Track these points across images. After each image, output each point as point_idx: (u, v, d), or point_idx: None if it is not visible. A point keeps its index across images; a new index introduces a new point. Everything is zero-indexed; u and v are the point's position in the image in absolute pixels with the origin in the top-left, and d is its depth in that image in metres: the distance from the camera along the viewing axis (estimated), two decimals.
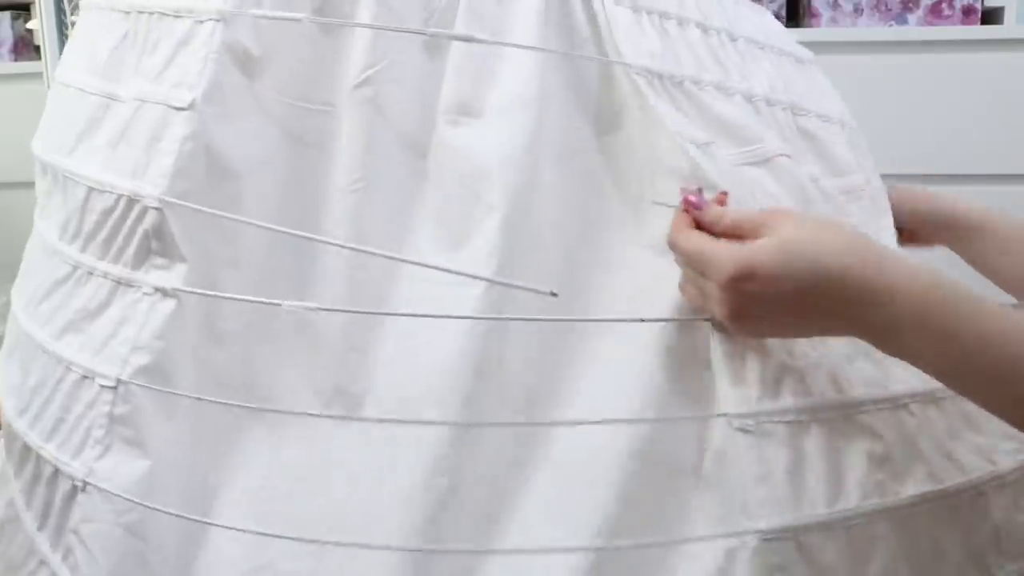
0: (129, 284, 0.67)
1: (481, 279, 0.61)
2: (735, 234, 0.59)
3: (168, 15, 0.68)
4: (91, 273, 0.70)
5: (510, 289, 0.61)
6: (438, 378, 0.63)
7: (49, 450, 0.68)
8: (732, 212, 0.61)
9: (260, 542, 0.64)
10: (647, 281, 0.66)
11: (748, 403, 0.61)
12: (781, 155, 0.70)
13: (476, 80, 0.67)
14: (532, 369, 0.65)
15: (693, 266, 0.60)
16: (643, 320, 0.64)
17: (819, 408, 0.62)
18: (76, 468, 0.66)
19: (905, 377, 0.64)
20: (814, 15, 1.67)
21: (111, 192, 0.67)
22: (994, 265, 0.79)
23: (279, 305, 0.62)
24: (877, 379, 0.64)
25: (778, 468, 0.60)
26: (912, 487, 0.62)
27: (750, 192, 0.66)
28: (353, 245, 0.65)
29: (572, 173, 0.67)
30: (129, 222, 0.66)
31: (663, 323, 0.64)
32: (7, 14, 2.09)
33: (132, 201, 0.66)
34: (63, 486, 0.67)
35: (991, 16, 1.68)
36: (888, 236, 0.78)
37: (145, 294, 0.66)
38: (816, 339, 0.63)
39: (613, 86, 0.68)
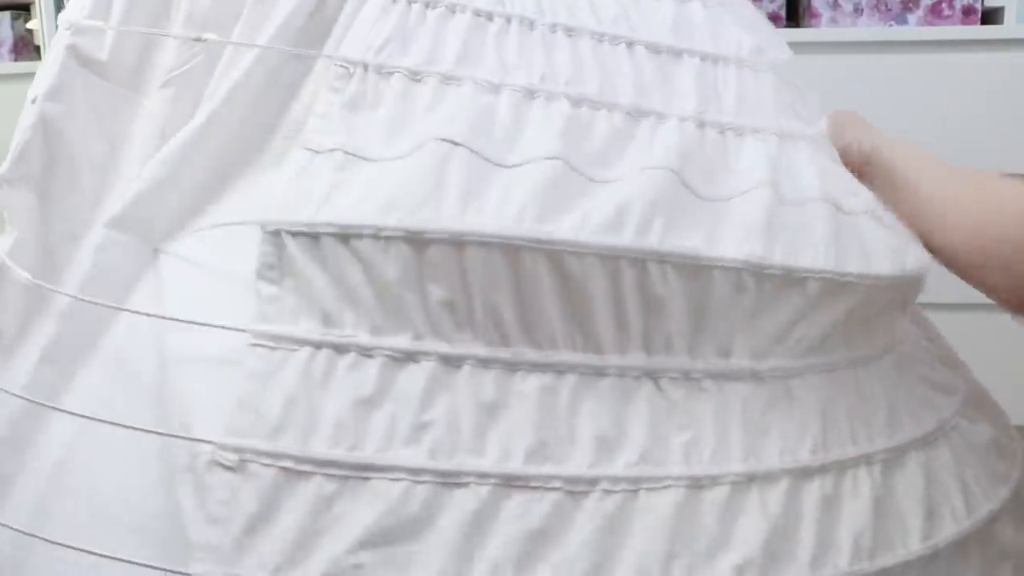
0: None
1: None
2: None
3: (61, 26, 0.77)
4: None
5: None
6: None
7: None
8: None
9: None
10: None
11: (239, 434, 0.57)
12: (447, 140, 0.62)
13: (223, 73, 0.73)
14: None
15: None
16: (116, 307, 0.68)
17: (330, 462, 0.57)
18: None
19: (494, 449, 0.58)
20: (814, 15, 1.67)
21: None
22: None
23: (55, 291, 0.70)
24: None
25: (239, 516, 0.56)
26: (419, 572, 0.56)
27: (372, 187, 0.62)
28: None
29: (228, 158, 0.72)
30: None
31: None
32: (7, 14, 2.09)
33: None
34: None
35: (991, 16, 1.68)
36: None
37: None
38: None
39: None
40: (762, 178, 0.67)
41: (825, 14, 1.66)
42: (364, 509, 0.56)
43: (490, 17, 0.70)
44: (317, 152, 0.64)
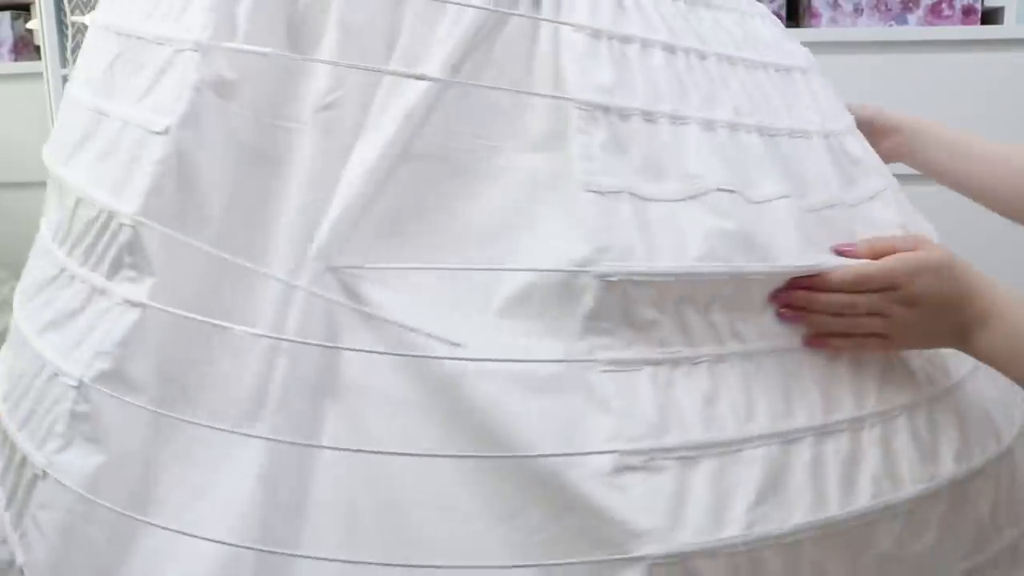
0: (103, 292, 0.71)
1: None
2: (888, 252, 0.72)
3: (151, 42, 0.73)
4: (73, 277, 0.75)
5: None
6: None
7: (20, 438, 0.75)
8: (885, 236, 0.74)
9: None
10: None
11: (638, 440, 0.67)
12: (721, 189, 0.72)
13: (391, 91, 0.71)
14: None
15: (887, 280, 0.71)
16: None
17: (707, 445, 0.68)
18: (39, 458, 0.72)
19: (803, 413, 0.71)
20: (814, 15, 1.67)
21: (94, 205, 0.72)
22: (937, 162, 0.95)
23: (232, 329, 0.68)
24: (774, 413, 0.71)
25: (662, 502, 0.65)
26: (799, 516, 0.67)
27: (673, 230, 0.70)
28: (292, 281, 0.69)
29: (421, 174, 0.71)
30: (108, 235, 0.71)
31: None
32: (7, 14, 2.09)
33: (111, 216, 0.70)
34: (27, 473, 0.73)
35: (991, 16, 1.68)
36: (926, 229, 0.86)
37: (115, 303, 0.70)
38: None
39: (529, 112, 0.72)
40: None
41: (825, 14, 1.66)
42: (750, 472, 0.68)
43: (673, 51, 0.75)
44: (603, 194, 0.69)
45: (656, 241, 0.69)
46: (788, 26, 1.71)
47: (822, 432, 0.71)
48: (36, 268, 0.82)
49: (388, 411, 0.68)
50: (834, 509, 0.68)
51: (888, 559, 0.71)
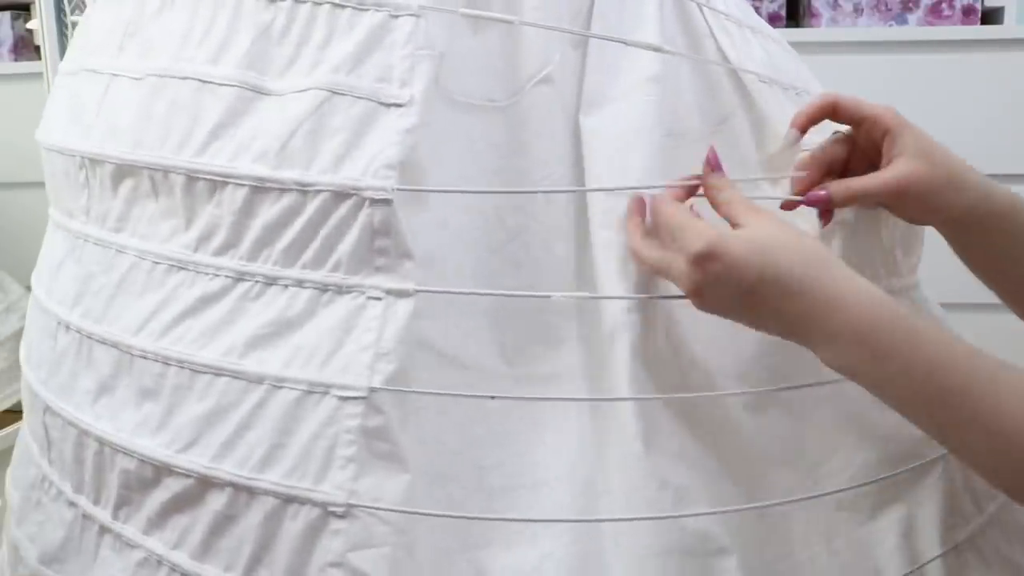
0: (341, 290, 0.64)
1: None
2: (724, 215, 0.63)
3: (347, 6, 0.66)
4: (271, 284, 0.66)
5: None
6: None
7: (267, 480, 0.63)
8: (737, 194, 0.64)
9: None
10: None
11: None
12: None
13: (608, 72, 0.71)
14: None
15: (668, 232, 0.62)
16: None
17: None
18: (327, 493, 0.62)
19: None
20: (814, 15, 1.67)
21: (300, 190, 0.64)
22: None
23: (548, 297, 0.67)
24: None
25: None
26: None
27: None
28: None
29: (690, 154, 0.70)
30: (335, 220, 0.64)
31: None
32: (7, 14, 2.09)
33: (341, 196, 0.63)
34: (298, 518, 0.62)
35: (991, 16, 1.68)
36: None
37: (371, 298, 0.63)
38: None
39: (726, 84, 0.74)
40: None
41: (825, 14, 1.66)
42: None
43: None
44: None
45: None
46: (788, 26, 1.71)
47: None
48: (150, 292, 0.70)
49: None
50: None
51: None
